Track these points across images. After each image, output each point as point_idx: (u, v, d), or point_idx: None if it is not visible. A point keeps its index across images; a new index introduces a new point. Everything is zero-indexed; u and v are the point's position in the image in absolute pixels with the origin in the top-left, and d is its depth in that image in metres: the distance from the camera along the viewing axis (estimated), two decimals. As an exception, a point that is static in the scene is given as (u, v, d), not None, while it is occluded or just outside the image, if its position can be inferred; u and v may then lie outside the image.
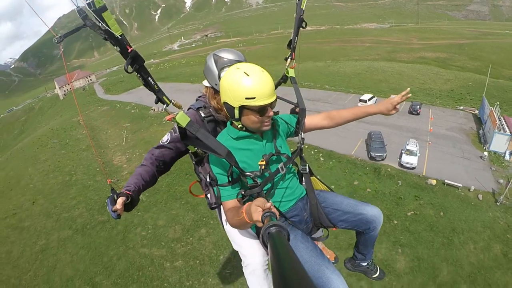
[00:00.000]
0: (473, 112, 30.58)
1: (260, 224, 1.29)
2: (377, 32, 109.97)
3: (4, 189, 25.46)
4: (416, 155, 21.00)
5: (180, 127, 1.83)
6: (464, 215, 16.46)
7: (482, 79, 41.36)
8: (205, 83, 2.34)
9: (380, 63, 58.60)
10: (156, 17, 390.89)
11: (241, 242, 2.27)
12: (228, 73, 1.84)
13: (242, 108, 1.81)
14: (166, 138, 2.21)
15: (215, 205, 2.09)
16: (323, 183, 2.47)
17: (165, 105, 1.83)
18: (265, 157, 1.93)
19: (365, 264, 2.55)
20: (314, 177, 2.39)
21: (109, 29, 1.55)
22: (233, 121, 1.95)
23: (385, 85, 41.11)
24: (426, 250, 14.38)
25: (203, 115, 2.24)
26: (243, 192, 1.86)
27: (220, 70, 2.19)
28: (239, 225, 1.75)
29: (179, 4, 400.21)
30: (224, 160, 1.84)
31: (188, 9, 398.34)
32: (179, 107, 1.89)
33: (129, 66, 1.62)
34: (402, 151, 21.72)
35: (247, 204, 1.48)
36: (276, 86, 2.25)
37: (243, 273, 2.28)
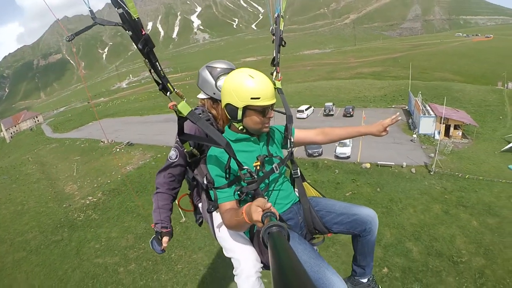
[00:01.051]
0: (403, 108, 35.64)
1: (260, 224, 1.35)
2: (318, 56, 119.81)
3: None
4: (348, 146, 24.48)
5: (180, 117, 1.93)
6: (400, 187, 19.10)
7: (413, 83, 47.49)
8: (201, 95, 2.49)
9: (320, 82, 64.15)
10: (104, 56, 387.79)
11: (234, 248, 2.29)
12: (232, 76, 2.01)
13: (245, 108, 1.96)
14: (174, 155, 2.30)
15: (213, 209, 2.07)
16: (315, 189, 2.60)
17: (168, 92, 1.92)
18: (259, 158, 2.08)
19: (365, 280, 2.54)
20: (305, 182, 2.50)
21: (129, 11, 1.66)
22: (234, 123, 2.10)
23: (323, 99, 45.48)
24: None
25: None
26: (239, 189, 1.98)
27: (217, 79, 2.38)
28: (238, 226, 1.82)
29: (126, 42, 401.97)
30: (222, 157, 2.01)
31: (135, 47, 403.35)
32: (181, 97, 2.00)
33: (143, 47, 1.74)
34: (336, 145, 24.77)
35: (247, 204, 1.55)
36: None
37: (234, 281, 2.31)
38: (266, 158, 2.13)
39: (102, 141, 39.28)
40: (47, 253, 17.87)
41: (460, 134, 27.11)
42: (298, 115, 37.53)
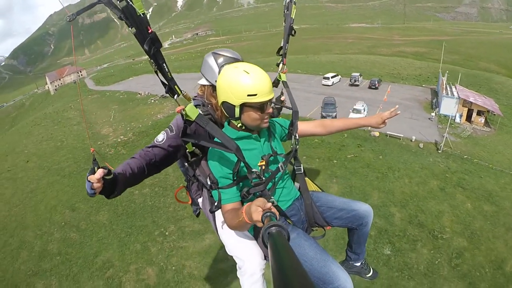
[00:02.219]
0: (433, 88, 33.45)
1: (260, 224, 1.32)
2: (361, 30, 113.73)
3: (-1, 156, 28.64)
4: (361, 113, 23.97)
5: (187, 120, 1.86)
6: (403, 158, 18.29)
7: (454, 68, 44.21)
8: (202, 81, 2.38)
9: (357, 56, 61.24)
10: (148, 16, 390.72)
11: (238, 246, 2.25)
12: (227, 73, 1.90)
13: (242, 106, 1.87)
14: (161, 137, 2.16)
15: (215, 209, 1.96)
16: (315, 184, 2.61)
17: (175, 95, 1.83)
18: (264, 157, 2.02)
19: (358, 264, 2.67)
20: (307, 178, 2.49)
21: (132, 5, 1.52)
22: (232, 121, 2.01)
23: (355, 70, 43.31)
24: (360, 181, 16.12)
25: (201, 113, 2.16)
26: (246, 191, 1.93)
27: (221, 67, 2.25)
28: (238, 226, 1.77)
29: (170, 3, 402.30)
30: (227, 159, 1.93)
31: (179, 8, 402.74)
32: (189, 100, 1.92)
33: (149, 47, 1.62)
34: (350, 111, 24.75)
35: (247, 204, 1.51)
36: None
37: (238, 279, 2.27)
38: (271, 158, 2.08)
39: (139, 93, 41.80)
40: (78, 177, 19.43)
41: (483, 121, 25.18)
42: (324, 81, 36.64)
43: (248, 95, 1.82)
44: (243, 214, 1.52)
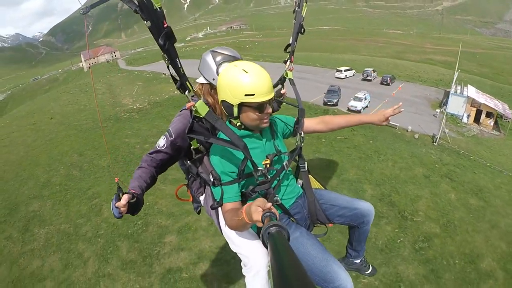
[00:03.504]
0: (448, 90, 31.87)
1: (260, 224, 1.30)
2: (394, 35, 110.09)
3: (27, 114, 31.42)
4: (362, 102, 23.81)
5: (196, 117, 1.83)
6: (394, 145, 17.60)
7: (482, 80, 42.29)
8: (200, 80, 2.33)
9: (383, 58, 59.62)
10: (185, 6, 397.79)
11: (242, 243, 2.21)
12: (226, 71, 1.86)
13: (241, 105, 1.82)
14: (162, 142, 2.14)
15: (217, 205, 1.92)
16: (318, 181, 2.60)
17: (187, 91, 1.80)
18: (269, 156, 1.98)
19: (358, 261, 2.67)
20: (310, 175, 2.47)
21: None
22: (232, 120, 1.97)
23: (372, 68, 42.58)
24: (340, 158, 15.71)
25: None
26: (251, 189, 1.91)
27: (219, 65, 2.21)
28: (238, 226, 1.74)
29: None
30: (231, 156, 1.90)
31: (217, 1, 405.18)
32: (199, 96, 1.91)
33: (164, 41, 1.59)
34: (351, 97, 24.78)
35: (247, 204, 1.48)
36: (274, 86, 2.22)
37: (244, 276, 2.24)
38: (275, 158, 2.04)
39: (164, 74, 43.53)
40: (93, 133, 20.89)
41: (492, 123, 23.86)
42: (337, 74, 36.51)
43: (246, 95, 1.78)
44: (243, 214, 1.48)
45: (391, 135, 18.99)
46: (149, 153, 2.15)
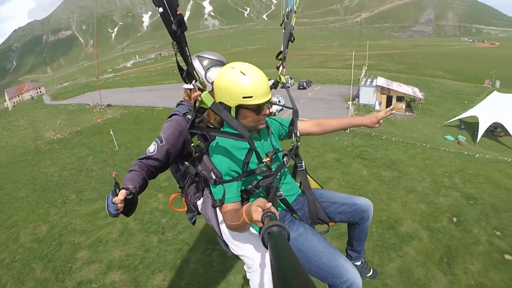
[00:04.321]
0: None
1: (260, 224, 1.34)
2: (316, 47, 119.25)
3: None
4: (275, 104, 24.30)
5: (200, 108, 1.91)
6: (306, 138, 18.18)
7: (395, 75, 47.04)
8: (188, 86, 2.29)
9: (304, 69, 63.84)
10: (113, 35, 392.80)
11: (246, 245, 2.26)
12: (224, 73, 1.92)
13: (238, 107, 1.89)
14: (152, 148, 2.19)
15: (219, 204, 1.96)
16: (315, 181, 2.72)
17: (194, 80, 1.86)
18: (269, 154, 2.04)
19: (359, 263, 2.75)
20: (307, 175, 2.55)
21: None
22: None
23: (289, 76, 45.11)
24: None
25: (190, 118, 2.18)
26: (255, 184, 1.96)
27: (207, 70, 2.28)
28: (238, 227, 1.78)
29: (136, 23, 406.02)
30: (233, 152, 1.98)
31: (145, 29, 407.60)
32: (205, 87, 1.93)
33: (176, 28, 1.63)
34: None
35: (246, 204, 1.53)
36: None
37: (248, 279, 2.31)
38: (274, 155, 2.10)
39: (88, 104, 46.63)
40: (13, 167, 22.36)
41: (403, 106, 26.61)
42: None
43: (244, 97, 1.84)
44: (243, 214, 1.53)
45: (299, 126, 19.82)
46: (139, 159, 2.18)
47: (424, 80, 46.32)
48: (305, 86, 37.07)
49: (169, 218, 11.26)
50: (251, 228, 2.19)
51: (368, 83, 28.52)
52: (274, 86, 2.76)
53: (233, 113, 1.91)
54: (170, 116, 2.34)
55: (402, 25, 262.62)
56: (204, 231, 10.33)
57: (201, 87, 1.87)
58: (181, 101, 2.49)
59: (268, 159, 1.99)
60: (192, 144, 2.16)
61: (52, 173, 18.80)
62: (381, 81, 28.45)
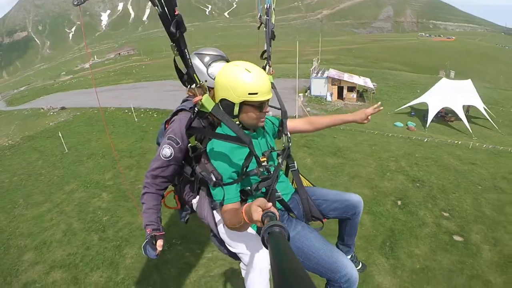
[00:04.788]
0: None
1: (260, 224, 1.36)
2: (277, 44, 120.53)
3: None
4: None
5: (200, 111, 1.96)
6: None
7: (351, 68, 48.26)
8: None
9: (262, 64, 64.26)
10: (70, 35, 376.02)
11: (243, 243, 2.31)
12: (228, 70, 1.99)
13: (242, 104, 1.98)
14: (169, 152, 2.17)
15: (219, 206, 2.03)
16: (307, 179, 2.87)
17: (194, 84, 1.91)
18: (265, 153, 2.14)
19: (349, 257, 2.86)
20: (300, 174, 2.67)
21: None
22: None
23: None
24: None
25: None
26: (255, 187, 2.05)
27: (208, 66, 2.34)
28: (238, 227, 1.82)
29: (94, 22, 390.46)
30: (233, 155, 2.00)
31: (104, 28, 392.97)
32: (205, 90, 1.98)
33: (175, 30, 1.65)
34: None
35: (246, 204, 1.56)
36: None
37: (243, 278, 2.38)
38: (271, 153, 2.21)
39: (42, 108, 45.79)
40: None
41: (354, 96, 27.20)
42: None
43: (249, 94, 1.94)
44: (243, 214, 1.56)
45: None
46: (152, 170, 2.20)
47: (380, 72, 47.92)
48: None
49: (110, 216, 11.55)
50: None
51: (319, 75, 28.75)
52: None
53: (236, 109, 1.99)
54: (176, 113, 2.34)
55: (362, 22, 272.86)
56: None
57: (197, 93, 1.93)
58: (187, 97, 2.50)
59: (265, 159, 2.10)
60: (189, 144, 2.18)
61: (3, 180, 18.64)
62: (332, 72, 28.86)
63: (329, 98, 26.69)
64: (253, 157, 1.99)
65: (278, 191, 2.16)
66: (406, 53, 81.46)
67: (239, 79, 1.93)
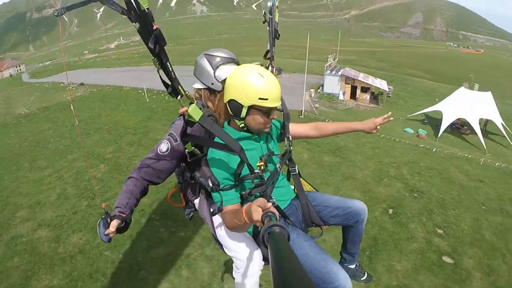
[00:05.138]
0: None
1: (260, 224, 1.37)
2: (301, 40, 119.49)
3: None
4: None
5: (189, 121, 1.91)
6: None
7: (376, 72, 47.31)
8: (197, 85, 2.38)
9: (282, 59, 63.68)
10: (98, 15, 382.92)
11: (238, 246, 2.31)
12: (241, 72, 1.97)
13: (250, 108, 1.95)
14: (165, 147, 2.16)
15: (218, 212, 2.03)
16: (309, 184, 2.78)
17: (179, 95, 1.87)
18: (263, 158, 2.11)
19: (353, 266, 2.80)
20: (301, 178, 2.61)
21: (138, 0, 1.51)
22: (234, 120, 2.10)
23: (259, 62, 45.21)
24: None
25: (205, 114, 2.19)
26: (248, 192, 2.02)
27: (216, 68, 2.26)
28: (238, 227, 1.84)
29: (123, 5, 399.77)
30: (228, 161, 2.01)
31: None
32: (192, 100, 1.99)
33: (154, 45, 1.66)
34: None
35: (247, 205, 1.58)
36: None
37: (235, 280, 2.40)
38: (269, 157, 2.18)
39: (62, 82, 47.71)
40: None
41: (368, 97, 26.69)
42: None
43: (260, 98, 1.91)
44: (243, 215, 1.59)
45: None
46: (148, 160, 2.17)
47: (400, 77, 46.94)
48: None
49: (102, 186, 11.97)
50: None
51: (333, 72, 28.35)
52: None
53: (244, 111, 1.96)
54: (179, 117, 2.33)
55: (390, 26, 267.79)
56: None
57: (183, 104, 1.88)
58: (197, 97, 2.46)
59: (262, 163, 2.07)
60: (186, 150, 2.15)
61: (13, 144, 19.45)
62: (347, 70, 28.40)
63: (341, 97, 26.24)
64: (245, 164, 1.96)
65: (273, 197, 2.08)
66: (432, 61, 79.47)
67: (251, 82, 1.91)
